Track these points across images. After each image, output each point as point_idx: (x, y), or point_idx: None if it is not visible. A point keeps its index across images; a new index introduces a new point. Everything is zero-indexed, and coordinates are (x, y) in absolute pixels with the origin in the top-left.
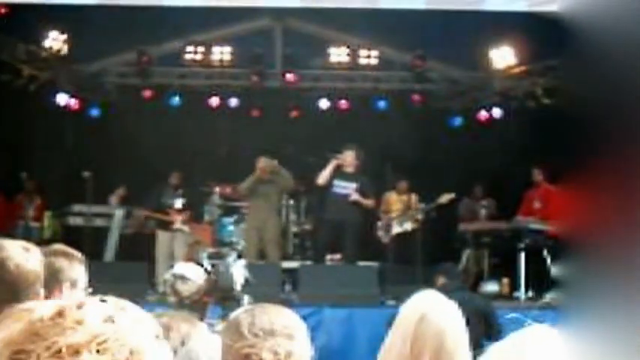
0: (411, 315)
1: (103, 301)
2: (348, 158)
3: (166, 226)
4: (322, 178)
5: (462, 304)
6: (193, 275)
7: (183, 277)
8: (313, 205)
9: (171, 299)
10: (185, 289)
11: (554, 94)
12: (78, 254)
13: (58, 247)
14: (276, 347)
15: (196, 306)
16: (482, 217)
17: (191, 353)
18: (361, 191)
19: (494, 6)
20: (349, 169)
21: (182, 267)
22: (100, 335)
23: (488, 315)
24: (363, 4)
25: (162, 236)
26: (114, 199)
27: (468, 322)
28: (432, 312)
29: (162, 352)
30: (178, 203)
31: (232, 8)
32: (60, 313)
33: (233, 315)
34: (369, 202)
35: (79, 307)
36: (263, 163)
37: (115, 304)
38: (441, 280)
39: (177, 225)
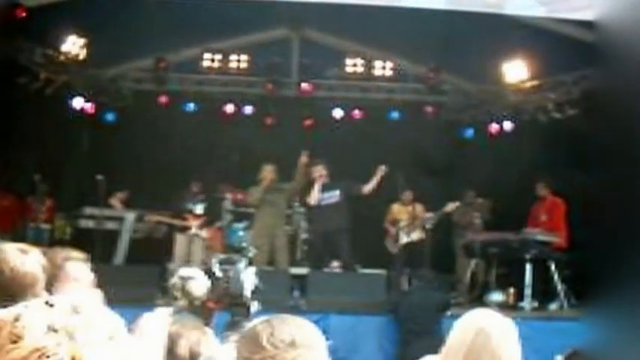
0: (468, 329)
1: (51, 305)
2: (321, 172)
3: (183, 230)
4: (313, 199)
5: (423, 300)
6: (200, 276)
7: (192, 278)
8: (313, 218)
9: (182, 302)
10: (196, 289)
11: (565, 109)
12: (81, 254)
13: (61, 249)
14: (298, 358)
15: (204, 310)
16: (477, 222)
17: None
18: (347, 193)
19: (514, 10)
20: (326, 180)
21: (187, 270)
22: (41, 349)
23: (446, 307)
24: (386, 2)
25: (180, 239)
26: (114, 201)
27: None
28: (489, 327)
29: (113, 354)
30: (199, 209)
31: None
32: None
33: (249, 326)
34: (365, 188)
35: (16, 319)
36: (268, 172)
37: (65, 308)
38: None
39: (194, 230)
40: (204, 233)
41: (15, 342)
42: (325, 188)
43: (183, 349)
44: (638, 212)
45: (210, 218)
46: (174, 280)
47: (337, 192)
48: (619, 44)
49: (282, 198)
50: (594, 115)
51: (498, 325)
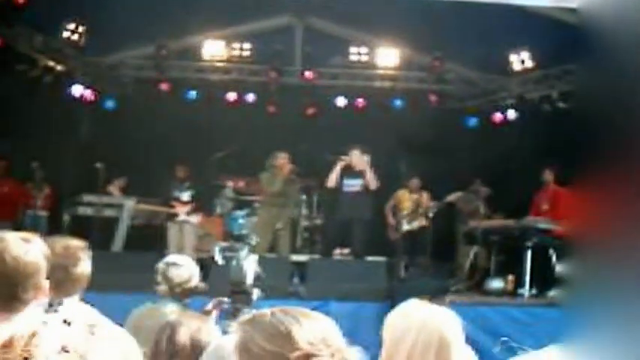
0: (404, 323)
1: (68, 323)
2: (355, 157)
3: (172, 218)
4: (331, 180)
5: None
6: (185, 264)
7: (175, 264)
8: (325, 201)
9: (162, 287)
10: (176, 275)
11: (569, 99)
12: (81, 242)
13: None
14: (339, 353)
15: (184, 295)
16: (482, 210)
17: (224, 347)
18: (366, 184)
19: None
20: (359, 167)
21: (175, 257)
22: None
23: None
24: None
25: (172, 228)
26: (113, 188)
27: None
28: (430, 320)
29: None
30: (185, 196)
31: (254, 5)
32: (8, 345)
33: (268, 318)
34: (371, 184)
35: (32, 336)
36: (287, 162)
37: (81, 328)
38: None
39: (182, 217)
40: (193, 219)
41: (27, 359)
42: (353, 176)
43: (183, 337)
44: None
45: (204, 205)
46: (160, 264)
47: (360, 181)
48: (604, 31)
49: (291, 189)
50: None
51: (438, 317)
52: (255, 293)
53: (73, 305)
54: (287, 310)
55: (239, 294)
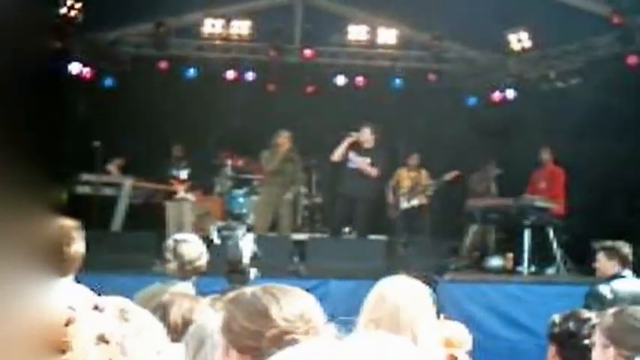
0: (371, 296)
1: (100, 310)
2: (366, 134)
3: (171, 196)
4: (337, 155)
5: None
6: (195, 241)
7: (185, 241)
8: (325, 179)
9: (172, 265)
10: (187, 252)
11: (568, 78)
12: (74, 222)
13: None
14: (315, 330)
15: (194, 274)
16: (493, 191)
17: (203, 330)
18: (370, 163)
19: None
20: (367, 145)
21: (182, 234)
22: None
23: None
24: None
25: (170, 206)
26: (111, 167)
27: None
28: (388, 291)
29: None
30: (182, 174)
31: None
32: (44, 333)
33: (247, 297)
34: (372, 173)
35: (67, 324)
36: (287, 140)
37: (114, 314)
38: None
39: (181, 194)
40: (191, 197)
41: (64, 352)
42: (359, 153)
43: (175, 316)
44: None
45: (203, 183)
46: (168, 242)
47: (368, 160)
48: None
49: (291, 167)
50: None
51: (396, 288)
52: (252, 273)
53: (69, 285)
54: (268, 288)
55: (236, 273)
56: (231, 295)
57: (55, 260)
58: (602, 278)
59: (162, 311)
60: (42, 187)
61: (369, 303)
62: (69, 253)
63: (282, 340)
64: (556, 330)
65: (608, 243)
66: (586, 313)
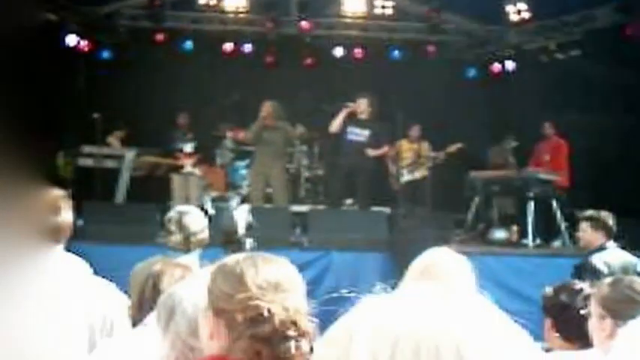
0: (417, 264)
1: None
2: (362, 105)
3: (177, 169)
4: (334, 126)
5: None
6: (197, 213)
7: (189, 213)
8: (326, 151)
9: (177, 237)
10: (192, 223)
11: (567, 50)
12: (61, 192)
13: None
14: (284, 301)
15: (198, 246)
16: (512, 162)
17: (173, 297)
18: (375, 139)
19: None
20: (363, 116)
21: (184, 206)
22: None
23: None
24: None
25: (177, 180)
26: (112, 139)
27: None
28: (438, 261)
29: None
30: (188, 147)
31: None
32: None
33: (230, 261)
34: (384, 151)
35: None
36: (266, 109)
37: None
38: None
39: (188, 168)
40: (197, 171)
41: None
42: (359, 124)
43: (166, 285)
44: None
45: (206, 156)
46: (172, 213)
47: (367, 132)
48: None
49: (278, 136)
50: None
51: (447, 258)
52: (248, 243)
53: (60, 254)
54: (253, 256)
55: (231, 244)
56: (218, 262)
57: (44, 229)
58: (589, 249)
59: (153, 280)
60: (29, 158)
61: (413, 272)
62: (57, 222)
63: (247, 304)
64: (549, 303)
65: (594, 213)
66: (578, 284)
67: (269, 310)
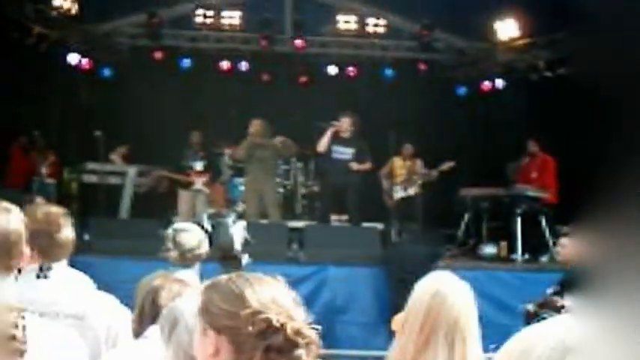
0: (425, 291)
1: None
2: (345, 124)
3: (186, 186)
4: (321, 145)
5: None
6: (194, 230)
7: (184, 230)
8: (321, 168)
9: (173, 254)
10: (186, 240)
11: (556, 67)
12: (61, 209)
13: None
14: (289, 312)
15: (195, 261)
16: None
17: (175, 311)
18: (357, 156)
19: None
20: (346, 135)
21: (183, 224)
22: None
23: (435, 258)
24: None
25: (184, 196)
26: (115, 157)
27: (417, 266)
28: (446, 289)
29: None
30: (199, 166)
31: None
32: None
33: (224, 282)
34: (366, 167)
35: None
36: (255, 127)
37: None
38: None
39: (198, 186)
40: (206, 190)
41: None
42: (342, 143)
43: (164, 300)
44: None
45: (212, 174)
46: (168, 231)
47: (350, 150)
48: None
49: (269, 153)
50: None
51: (453, 287)
52: (245, 258)
53: (63, 270)
54: (243, 275)
55: (229, 259)
56: (208, 282)
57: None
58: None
59: (152, 295)
60: None
61: (421, 300)
62: (60, 239)
63: (256, 318)
64: (531, 319)
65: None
66: (559, 300)
67: (279, 321)
